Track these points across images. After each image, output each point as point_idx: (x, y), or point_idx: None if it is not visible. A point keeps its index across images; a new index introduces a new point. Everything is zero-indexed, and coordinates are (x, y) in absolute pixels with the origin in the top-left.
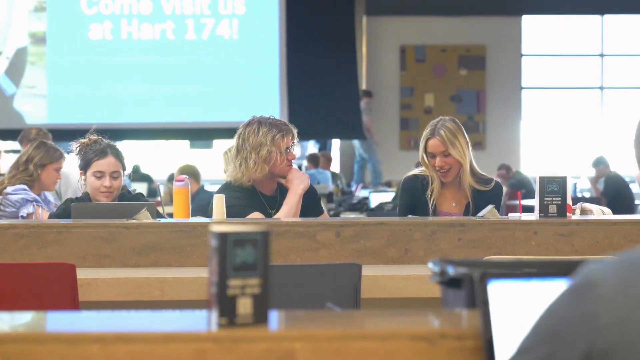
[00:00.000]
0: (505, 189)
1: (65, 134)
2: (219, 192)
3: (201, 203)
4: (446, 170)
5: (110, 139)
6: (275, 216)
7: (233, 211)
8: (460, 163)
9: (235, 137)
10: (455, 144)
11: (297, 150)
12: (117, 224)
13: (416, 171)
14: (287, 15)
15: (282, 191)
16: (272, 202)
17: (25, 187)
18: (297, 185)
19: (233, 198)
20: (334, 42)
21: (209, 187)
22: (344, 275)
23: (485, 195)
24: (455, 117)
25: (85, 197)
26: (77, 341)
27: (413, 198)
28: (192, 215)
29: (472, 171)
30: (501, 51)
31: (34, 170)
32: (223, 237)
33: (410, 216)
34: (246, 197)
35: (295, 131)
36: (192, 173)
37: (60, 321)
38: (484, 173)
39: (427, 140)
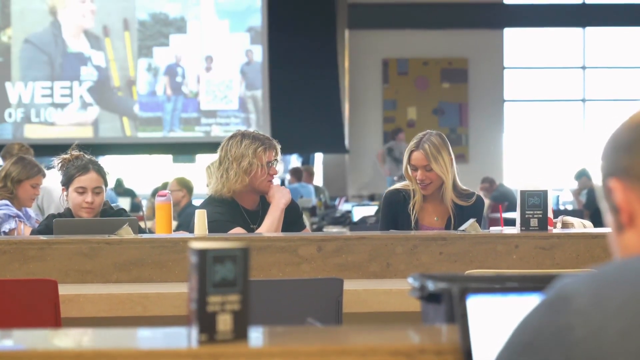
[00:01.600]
0: (487, 201)
1: (47, 150)
2: (201, 206)
3: (188, 218)
4: (427, 183)
5: (93, 154)
6: (257, 231)
7: (215, 226)
8: (441, 179)
9: (219, 149)
10: (438, 159)
11: (279, 167)
12: (99, 239)
13: (398, 185)
14: (268, 29)
15: (264, 206)
16: (254, 216)
17: (7, 202)
18: (279, 200)
19: (215, 213)
20: (316, 55)
21: (195, 202)
22: (325, 289)
23: (466, 209)
24: (438, 130)
25: (68, 212)
26: (56, 358)
27: (395, 212)
28: (181, 229)
29: (454, 186)
30: (483, 64)
31: (11, 186)
32: (202, 253)
33: (391, 230)
34: (228, 212)
35: (278, 147)
36: (186, 186)
37: (39, 338)
38: (465, 187)
39: (412, 152)
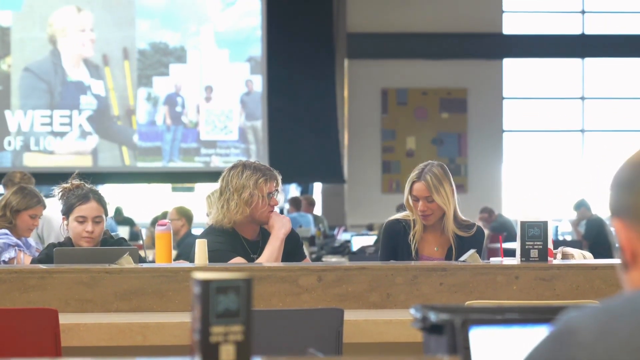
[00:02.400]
0: (487, 232)
1: (46, 178)
2: (201, 236)
3: (188, 247)
4: (428, 214)
5: (93, 183)
6: (257, 261)
7: (215, 256)
8: (443, 209)
9: (220, 180)
10: (439, 190)
11: (280, 197)
12: (100, 269)
13: (398, 215)
14: (267, 58)
15: (265, 236)
16: (254, 246)
17: (7, 231)
18: (279, 230)
19: (215, 242)
20: (316, 85)
21: (194, 231)
22: (326, 320)
23: (467, 240)
24: (437, 160)
25: (68, 241)
26: None
27: (395, 242)
28: (180, 259)
29: (455, 217)
30: (482, 94)
31: (10, 215)
32: (205, 284)
33: (392, 261)
34: (228, 241)
35: (279, 178)
36: (185, 215)
37: None
38: (465, 218)
39: (413, 183)
